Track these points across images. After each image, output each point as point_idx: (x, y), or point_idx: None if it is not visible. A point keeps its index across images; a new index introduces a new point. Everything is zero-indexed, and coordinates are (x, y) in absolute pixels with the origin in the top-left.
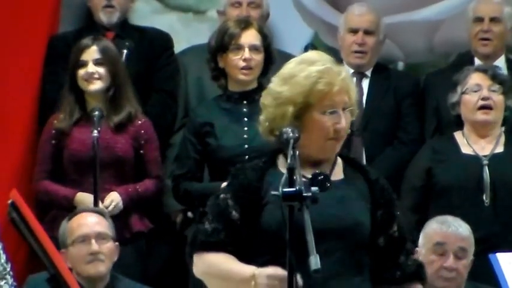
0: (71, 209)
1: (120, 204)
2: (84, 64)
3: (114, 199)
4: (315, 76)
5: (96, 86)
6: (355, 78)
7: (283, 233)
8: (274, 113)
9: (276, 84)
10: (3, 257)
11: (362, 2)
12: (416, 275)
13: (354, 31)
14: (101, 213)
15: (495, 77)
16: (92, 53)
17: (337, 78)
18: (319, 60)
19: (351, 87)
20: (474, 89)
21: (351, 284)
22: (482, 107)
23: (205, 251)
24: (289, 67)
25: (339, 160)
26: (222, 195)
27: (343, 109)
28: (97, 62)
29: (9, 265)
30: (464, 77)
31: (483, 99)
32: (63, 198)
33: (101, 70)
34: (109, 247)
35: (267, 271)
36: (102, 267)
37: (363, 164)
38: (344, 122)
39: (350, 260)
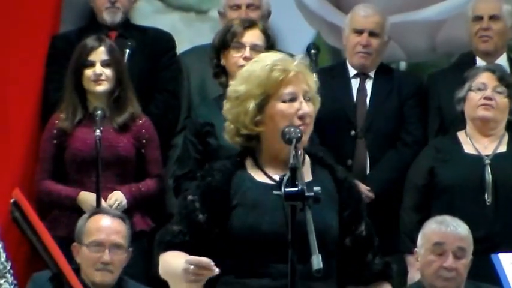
0: (73, 209)
1: (124, 203)
2: (91, 64)
3: (118, 198)
4: (269, 65)
5: (103, 87)
6: (358, 79)
7: (252, 236)
8: (236, 112)
9: (234, 85)
10: (3, 255)
11: (368, 3)
12: (384, 274)
13: (359, 32)
14: (121, 218)
15: (502, 79)
16: (99, 53)
17: (291, 64)
18: (273, 55)
19: (308, 76)
20: (479, 87)
21: (316, 286)
22: (483, 105)
23: (169, 251)
24: (244, 68)
25: (307, 159)
26: (189, 197)
27: (304, 98)
28: (104, 63)
29: (9, 264)
30: (473, 74)
31: (486, 98)
32: (65, 198)
33: (108, 71)
34: (121, 258)
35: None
36: (109, 278)
37: (331, 162)
38: (307, 107)
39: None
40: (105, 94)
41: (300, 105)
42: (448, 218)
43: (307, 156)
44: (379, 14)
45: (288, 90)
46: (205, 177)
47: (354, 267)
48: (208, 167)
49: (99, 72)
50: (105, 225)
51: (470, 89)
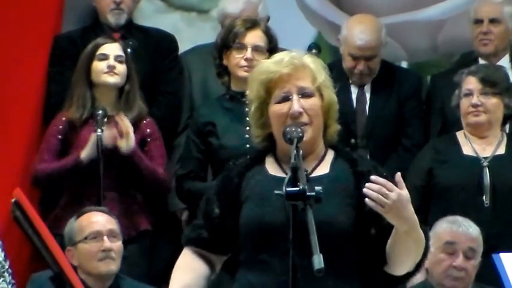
0: (77, 171)
1: (132, 141)
2: (104, 58)
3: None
4: (262, 69)
5: (115, 79)
6: (357, 87)
7: (257, 229)
8: (249, 115)
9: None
10: (2, 254)
11: (363, 18)
12: None
13: (356, 58)
14: (108, 213)
15: (485, 80)
16: (114, 48)
17: (279, 65)
18: (271, 58)
19: (303, 72)
20: (466, 93)
21: (323, 283)
22: (472, 112)
23: (188, 246)
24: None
25: (331, 154)
26: (212, 191)
27: (303, 95)
28: (118, 59)
29: (8, 263)
30: (460, 80)
31: (473, 105)
32: (68, 160)
33: (120, 67)
34: (119, 246)
35: None
36: (114, 266)
37: (356, 156)
38: (296, 105)
39: (323, 257)
40: (115, 90)
41: (291, 104)
42: (459, 218)
43: (330, 151)
44: (374, 37)
45: (279, 90)
46: (224, 172)
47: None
48: (232, 162)
49: (112, 64)
50: (97, 218)
51: (460, 96)
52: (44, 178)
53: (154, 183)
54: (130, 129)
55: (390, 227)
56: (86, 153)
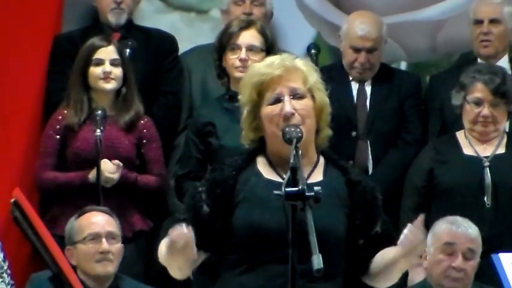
0: (81, 191)
1: (116, 175)
2: (100, 63)
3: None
4: (253, 72)
5: (112, 85)
6: (358, 82)
7: (254, 233)
8: (241, 119)
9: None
10: (1, 255)
11: (364, 13)
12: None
13: (357, 50)
14: (109, 213)
15: (497, 91)
16: (109, 52)
17: (271, 68)
18: (264, 61)
19: (295, 73)
20: (475, 102)
21: (318, 286)
22: (481, 122)
23: None
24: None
25: (322, 160)
26: (199, 188)
27: (294, 96)
28: (113, 63)
29: (7, 263)
30: (469, 83)
31: (483, 116)
32: (76, 177)
33: (116, 71)
34: (118, 247)
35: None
36: (111, 267)
37: (346, 164)
38: (288, 106)
39: None
40: (112, 93)
41: (283, 105)
42: (459, 219)
43: (321, 157)
44: (375, 29)
45: (271, 92)
46: (214, 170)
47: (366, 263)
48: (219, 162)
49: (108, 70)
50: (97, 218)
51: (466, 100)
52: (51, 189)
53: (149, 194)
54: (112, 171)
55: (376, 238)
56: (94, 176)
